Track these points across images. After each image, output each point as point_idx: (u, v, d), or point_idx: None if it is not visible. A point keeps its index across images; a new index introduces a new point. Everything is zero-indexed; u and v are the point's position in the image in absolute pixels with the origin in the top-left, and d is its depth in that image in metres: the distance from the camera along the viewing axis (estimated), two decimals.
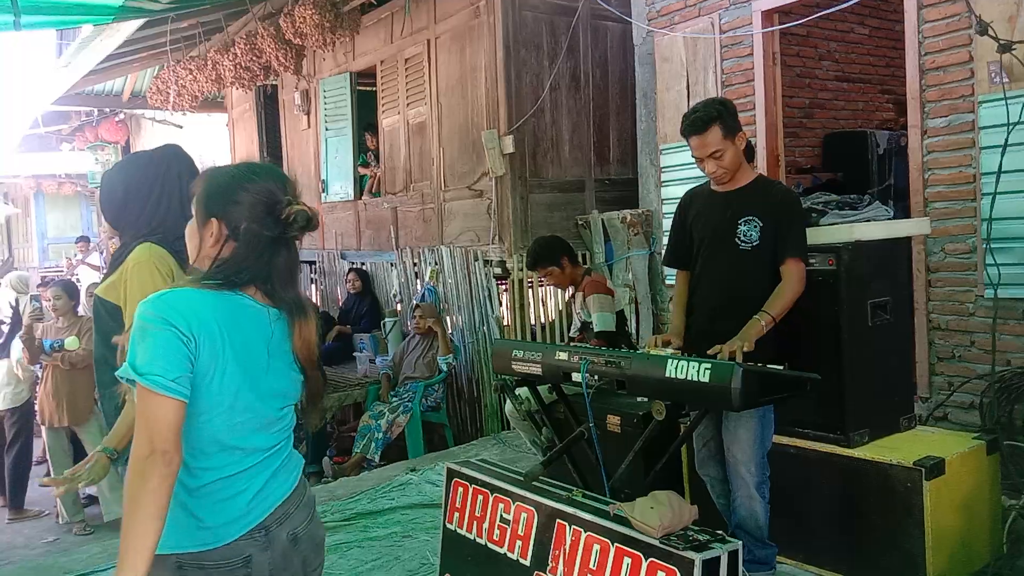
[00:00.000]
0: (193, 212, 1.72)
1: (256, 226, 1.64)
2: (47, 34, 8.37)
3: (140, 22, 7.01)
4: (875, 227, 3.30)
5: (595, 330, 4.39)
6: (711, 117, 2.90)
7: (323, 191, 8.42)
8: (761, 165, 4.94)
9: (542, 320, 6.55)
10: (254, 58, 7.44)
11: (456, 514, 3.24)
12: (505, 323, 6.33)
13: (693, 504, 2.46)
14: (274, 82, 9.20)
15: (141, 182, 2.40)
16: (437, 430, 6.44)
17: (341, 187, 8.21)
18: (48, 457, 6.03)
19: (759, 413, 2.90)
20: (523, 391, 3.57)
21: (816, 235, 3.20)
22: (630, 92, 6.24)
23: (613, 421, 3.77)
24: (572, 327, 4.92)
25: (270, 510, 1.68)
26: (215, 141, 12.46)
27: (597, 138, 6.53)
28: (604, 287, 4.56)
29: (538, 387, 3.45)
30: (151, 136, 13.86)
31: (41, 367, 5.84)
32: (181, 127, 13.15)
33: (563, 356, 3.01)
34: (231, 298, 1.62)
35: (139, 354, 1.52)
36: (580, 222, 6.34)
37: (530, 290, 6.32)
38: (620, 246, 6.01)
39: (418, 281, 7.12)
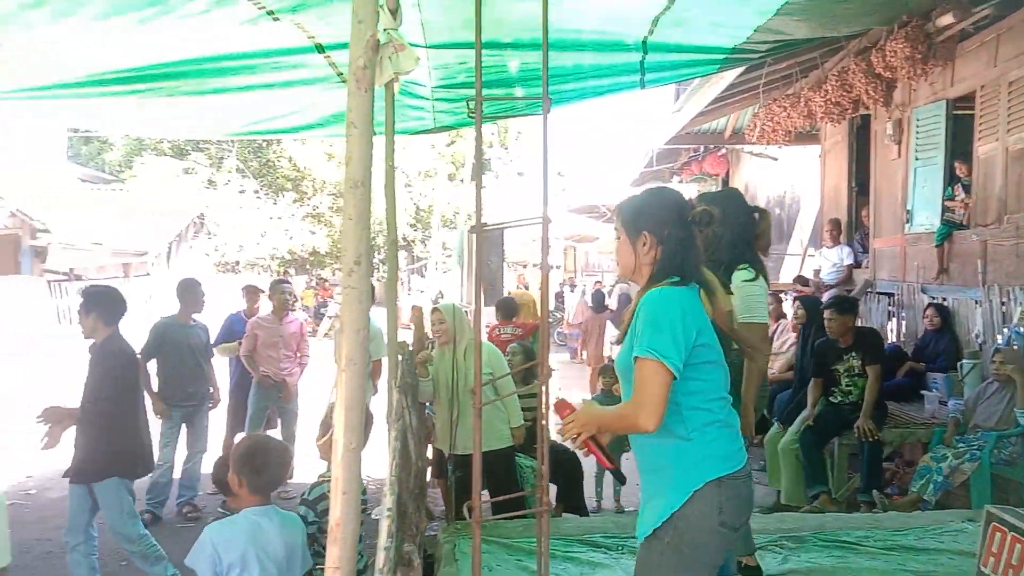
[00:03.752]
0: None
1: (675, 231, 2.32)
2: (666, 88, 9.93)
3: (742, 68, 7.93)
4: None
5: None
6: None
7: (907, 221, 8.27)
8: None
9: None
10: (844, 93, 7.74)
11: (991, 559, 3.22)
12: None
13: None
14: (866, 113, 9.32)
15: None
16: (1013, 487, 5.87)
17: (926, 218, 7.96)
18: None
19: None
20: None
21: None
22: None
23: None
24: None
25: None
26: (807, 172, 13.01)
27: None
28: None
29: None
30: (748, 168, 14.99)
31: None
32: (776, 159, 13.91)
33: None
34: (691, 289, 2.27)
35: (658, 340, 2.12)
36: None
37: None
38: None
39: (1006, 324, 6.57)
